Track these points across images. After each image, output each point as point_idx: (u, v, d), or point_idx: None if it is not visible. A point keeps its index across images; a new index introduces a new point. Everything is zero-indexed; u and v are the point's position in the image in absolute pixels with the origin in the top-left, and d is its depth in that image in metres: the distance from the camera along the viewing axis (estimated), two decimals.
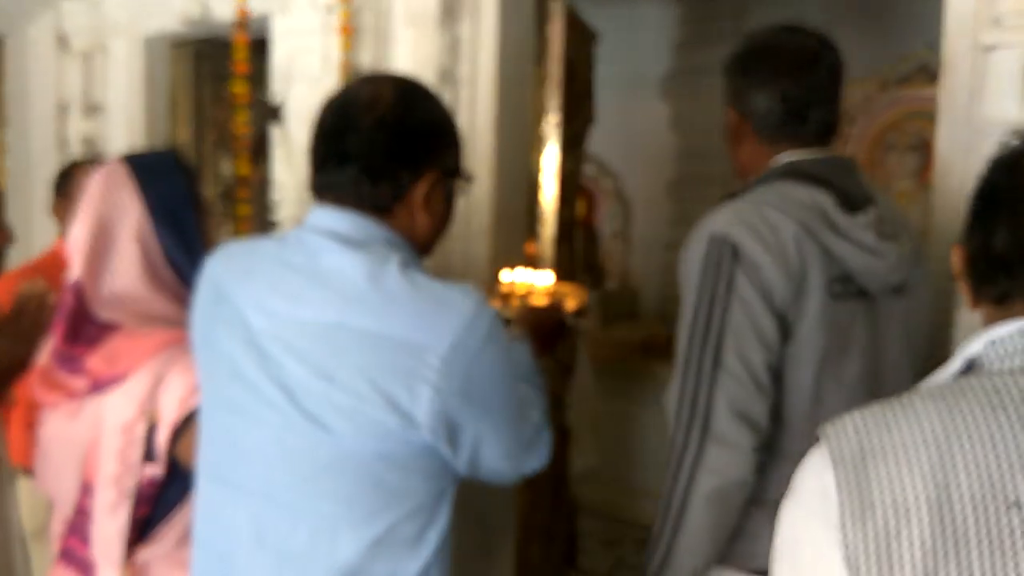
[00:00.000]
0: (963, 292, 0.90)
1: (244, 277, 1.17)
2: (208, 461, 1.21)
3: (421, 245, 1.23)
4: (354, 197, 1.15)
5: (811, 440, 1.35)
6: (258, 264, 1.17)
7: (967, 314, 1.64)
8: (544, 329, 1.72)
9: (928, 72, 4.43)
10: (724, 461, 1.34)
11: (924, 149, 4.28)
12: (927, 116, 4.51)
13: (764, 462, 1.41)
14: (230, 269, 1.21)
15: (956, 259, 0.92)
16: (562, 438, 2.92)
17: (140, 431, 1.35)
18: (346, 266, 1.10)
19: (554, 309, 1.89)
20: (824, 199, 1.38)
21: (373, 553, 1.10)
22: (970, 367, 0.81)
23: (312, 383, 1.07)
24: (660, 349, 4.94)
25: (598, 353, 4.41)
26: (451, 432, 1.10)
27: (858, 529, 0.70)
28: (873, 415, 0.77)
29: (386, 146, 1.14)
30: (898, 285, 1.46)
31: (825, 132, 1.48)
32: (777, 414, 1.40)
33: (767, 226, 1.34)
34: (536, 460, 1.28)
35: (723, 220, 1.37)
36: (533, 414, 1.28)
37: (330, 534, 1.10)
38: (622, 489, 4.46)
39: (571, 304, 2.06)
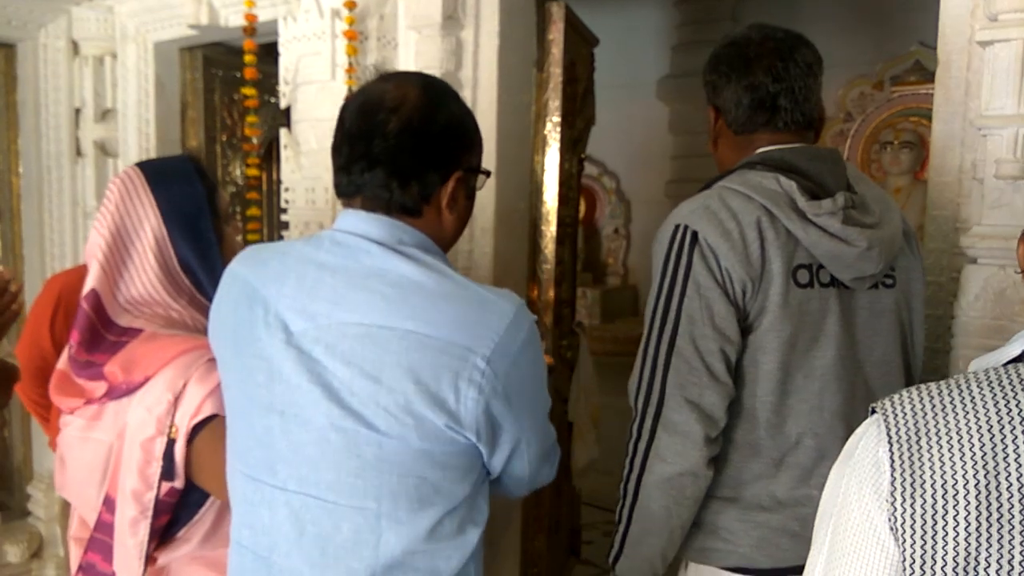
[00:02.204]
0: None
1: (278, 280, 1.15)
2: (244, 461, 1.19)
3: (447, 243, 1.23)
4: (383, 202, 1.15)
5: (781, 434, 1.38)
6: (292, 267, 1.15)
7: (966, 308, 1.66)
8: None
9: (923, 70, 4.46)
10: (674, 450, 1.32)
11: (920, 146, 4.30)
12: (922, 113, 4.54)
13: (731, 457, 1.38)
14: (261, 272, 1.18)
15: (1021, 254, 0.92)
16: (565, 431, 2.97)
17: (159, 448, 1.33)
18: (387, 269, 1.10)
19: None
20: (790, 185, 1.35)
21: (415, 548, 1.10)
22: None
23: (358, 383, 1.07)
24: None
25: (599, 348, 4.46)
26: (493, 432, 1.11)
27: (907, 505, 0.72)
28: (931, 395, 0.78)
29: (414, 150, 1.13)
30: (879, 276, 1.42)
31: (801, 124, 1.44)
32: (744, 407, 1.37)
33: (728, 212, 1.33)
34: (548, 473, 1.30)
35: (687, 209, 1.38)
36: (550, 428, 1.29)
37: (374, 530, 1.10)
38: None
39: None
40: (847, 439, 1.39)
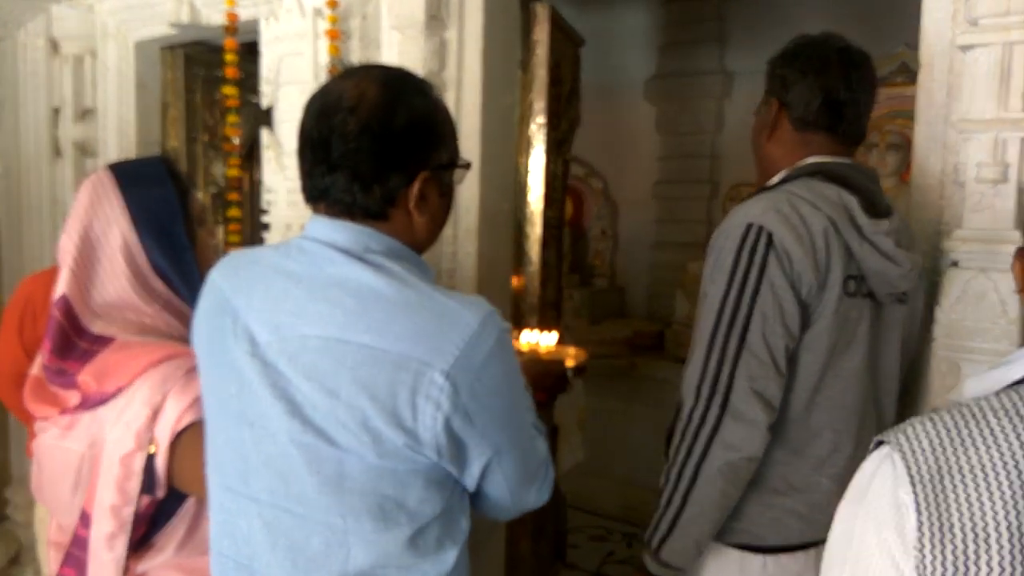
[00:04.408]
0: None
1: (247, 289, 1.13)
2: (221, 472, 1.18)
3: (421, 245, 1.20)
4: (347, 206, 1.12)
5: (805, 425, 1.44)
6: (261, 276, 1.13)
7: (947, 310, 1.67)
8: (546, 381, 1.76)
9: (909, 72, 4.46)
10: (740, 436, 1.38)
11: (905, 148, 4.31)
12: (908, 115, 4.52)
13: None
14: (233, 281, 1.17)
15: (1018, 272, 0.90)
16: (550, 434, 2.96)
17: (139, 463, 1.32)
18: (348, 278, 1.07)
19: (556, 364, 2.01)
20: (851, 201, 1.43)
21: (387, 563, 1.08)
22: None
23: (318, 398, 1.04)
24: (647, 346, 4.99)
25: (586, 350, 4.46)
26: (457, 451, 1.07)
27: (937, 551, 0.69)
28: (946, 428, 0.74)
29: (374, 152, 1.10)
30: (902, 294, 1.52)
31: (855, 138, 1.53)
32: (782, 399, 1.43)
33: (799, 218, 1.39)
34: (538, 495, 1.25)
35: (759, 210, 1.41)
36: (540, 447, 1.25)
37: (342, 544, 1.08)
38: (611, 485, 4.50)
39: (571, 362, 2.27)
40: (858, 433, 1.48)
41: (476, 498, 1.19)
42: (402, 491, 1.07)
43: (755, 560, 1.50)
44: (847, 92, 1.50)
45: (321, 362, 1.04)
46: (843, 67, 1.50)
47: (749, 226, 1.40)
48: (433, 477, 1.09)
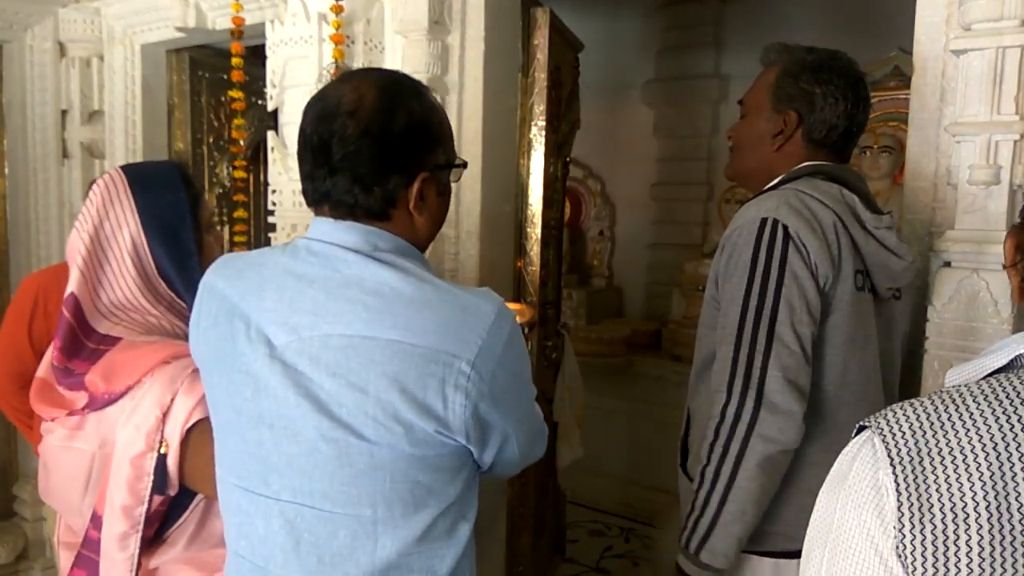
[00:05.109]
0: (1010, 281, 0.90)
1: (257, 293, 1.14)
2: (237, 474, 1.18)
3: (423, 244, 1.22)
4: (349, 207, 1.14)
5: (835, 422, 1.46)
6: (270, 279, 1.14)
7: (940, 309, 1.70)
8: None
9: (902, 75, 4.48)
10: (778, 428, 1.37)
11: (898, 150, 4.34)
12: (901, 118, 4.56)
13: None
14: (239, 285, 1.17)
15: (1009, 248, 0.91)
16: (550, 432, 2.99)
17: (150, 464, 1.34)
18: (365, 277, 1.10)
19: None
20: (852, 198, 1.46)
21: (411, 550, 1.11)
22: (1008, 365, 0.80)
23: (345, 394, 1.06)
24: (644, 345, 5.02)
25: (585, 349, 4.48)
26: (482, 432, 1.12)
27: (917, 532, 0.69)
28: (926, 412, 0.75)
29: (373, 155, 1.12)
30: (898, 289, 1.55)
31: (848, 157, 1.59)
32: (810, 395, 1.43)
33: (810, 212, 1.42)
34: (540, 450, 1.30)
35: (771, 205, 1.43)
36: (538, 410, 1.30)
37: (370, 535, 1.10)
38: (609, 481, 4.52)
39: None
40: None
41: (493, 465, 1.22)
42: (432, 475, 1.11)
43: (791, 565, 1.50)
44: (863, 120, 1.55)
45: (346, 359, 1.06)
46: (866, 98, 1.54)
47: (764, 220, 1.42)
48: (457, 460, 1.13)
